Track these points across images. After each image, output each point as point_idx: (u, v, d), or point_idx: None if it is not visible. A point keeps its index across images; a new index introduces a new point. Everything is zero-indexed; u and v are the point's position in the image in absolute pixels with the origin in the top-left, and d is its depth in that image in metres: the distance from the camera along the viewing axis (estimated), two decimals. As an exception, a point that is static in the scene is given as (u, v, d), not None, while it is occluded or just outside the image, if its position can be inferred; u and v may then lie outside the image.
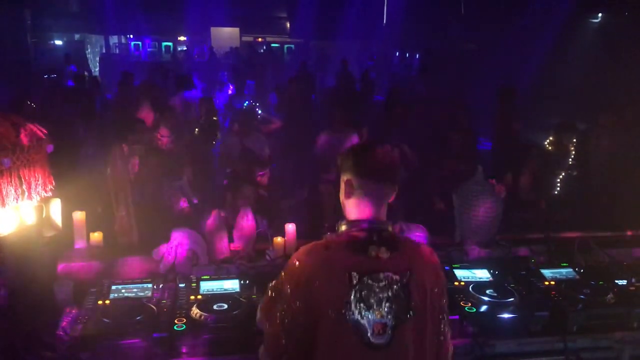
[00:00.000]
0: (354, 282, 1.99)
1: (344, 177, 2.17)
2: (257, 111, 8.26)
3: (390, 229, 2.12)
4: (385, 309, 2.00)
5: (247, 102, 8.60)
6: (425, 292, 2.07)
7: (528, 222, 5.17)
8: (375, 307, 2.00)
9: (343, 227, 2.14)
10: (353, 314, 1.99)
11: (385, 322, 2.00)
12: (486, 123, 8.57)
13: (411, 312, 2.03)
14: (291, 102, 8.90)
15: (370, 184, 2.11)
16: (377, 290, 2.01)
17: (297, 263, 2.08)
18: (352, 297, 1.99)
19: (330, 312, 1.98)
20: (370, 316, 1.99)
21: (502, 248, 3.88)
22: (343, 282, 2.00)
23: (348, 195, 2.15)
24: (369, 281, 2.00)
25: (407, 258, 2.08)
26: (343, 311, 1.98)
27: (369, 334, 1.98)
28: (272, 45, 23.36)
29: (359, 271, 2.00)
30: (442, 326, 2.14)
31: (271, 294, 2.14)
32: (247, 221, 3.89)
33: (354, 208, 2.15)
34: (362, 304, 1.99)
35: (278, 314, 2.05)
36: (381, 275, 2.02)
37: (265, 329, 2.13)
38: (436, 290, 2.11)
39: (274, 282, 2.17)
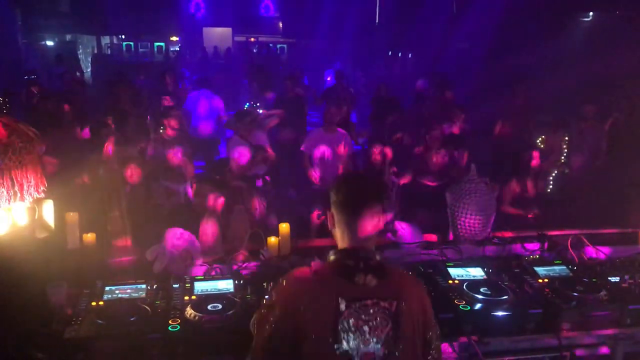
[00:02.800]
0: (342, 309, 1.97)
1: (330, 210, 2.18)
2: (259, 111, 8.32)
3: (378, 257, 2.10)
4: (374, 338, 1.98)
5: (247, 104, 8.57)
6: (413, 321, 2.06)
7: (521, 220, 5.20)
8: (363, 336, 1.98)
9: (331, 257, 2.13)
10: (340, 342, 1.96)
11: (373, 351, 1.98)
12: (477, 119, 8.63)
13: (400, 340, 2.01)
14: (282, 102, 8.93)
15: (349, 217, 2.11)
16: (365, 318, 1.99)
17: (284, 284, 2.08)
18: (339, 325, 1.97)
19: (316, 338, 1.96)
20: (358, 345, 1.97)
21: (495, 246, 3.89)
22: (330, 308, 1.98)
23: (333, 226, 2.17)
24: (357, 309, 1.99)
25: (395, 286, 2.08)
26: (330, 339, 1.96)
27: None
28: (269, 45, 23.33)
29: (347, 298, 1.99)
30: (432, 354, 2.12)
31: (263, 310, 2.11)
32: (240, 221, 3.89)
33: (340, 238, 2.15)
34: (349, 333, 1.97)
35: (266, 331, 2.02)
36: (369, 303, 2.00)
37: (254, 340, 2.11)
38: (422, 320, 2.10)
39: (266, 299, 2.16)
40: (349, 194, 2.13)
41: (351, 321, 1.97)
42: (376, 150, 6.23)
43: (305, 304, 1.98)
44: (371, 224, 2.12)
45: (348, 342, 1.97)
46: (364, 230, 2.11)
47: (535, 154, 5.72)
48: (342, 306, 1.97)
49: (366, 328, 1.98)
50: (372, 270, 2.04)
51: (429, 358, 2.12)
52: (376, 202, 2.15)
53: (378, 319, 2.00)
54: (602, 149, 7.07)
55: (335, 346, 1.96)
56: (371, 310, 2.00)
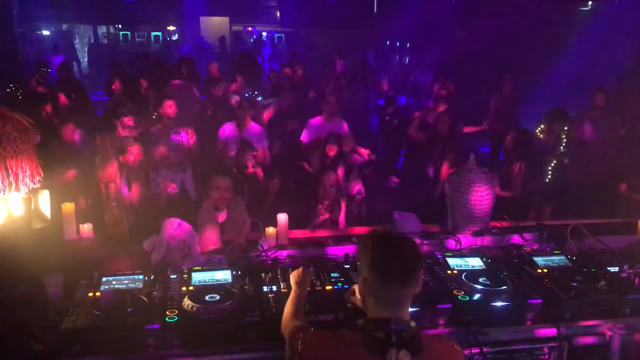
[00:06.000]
0: None
1: (362, 275, 2.03)
2: (257, 99, 8.33)
3: (412, 327, 1.97)
4: None
5: (247, 94, 8.56)
6: None
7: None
8: None
9: (360, 325, 1.99)
10: None
11: None
12: (476, 109, 8.68)
13: None
14: (281, 90, 8.93)
15: (388, 284, 1.96)
16: None
17: (312, 338, 2.01)
18: None
19: None
20: None
21: (494, 236, 3.88)
22: None
23: (366, 294, 2.03)
24: None
25: None
26: None
27: None
28: (262, 33, 23.23)
29: None
30: None
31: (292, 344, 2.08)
32: (239, 212, 3.87)
33: (373, 306, 2.01)
34: None
35: None
36: None
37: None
38: None
39: (294, 325, 2.16)
40: (392, 258, 1.96)
41: None
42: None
43: None
44: (412, 292, 1.99)
45: None
46: (402, 299, 1.98)
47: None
48: None
49: None
50: (406, 344, 1.89)
51: None
52: (419, 268, 2.01)
53: None
54: (616, 139, 7.06)
55: None
56: None
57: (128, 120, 6.09)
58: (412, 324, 1.98)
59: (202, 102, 8.54)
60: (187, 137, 6.20)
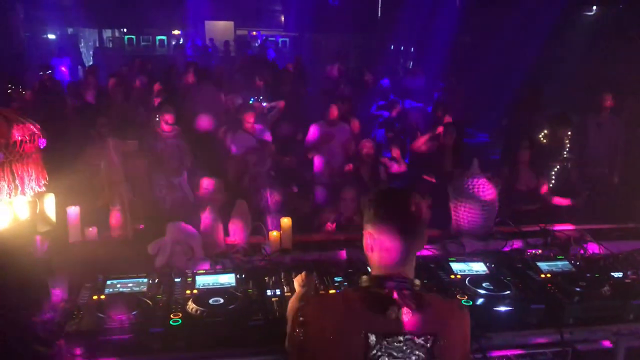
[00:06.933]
0: (371, 344, 1.84)
1: (365, 229, 2.01)
2: (263, 104, 8.40)
3: (416, 285, 1.95)
4: None
5: (252, 99, 8.60)
6: (453, 356, 1.93)
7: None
8: None
9: (364, 282, 1.99)
10: None
11: None
12: (480, 114, 8.66)
13: None
14: (284, 94, 8.96)
15: (392, 239, 1.94)
16: (398, 355, 1.85)
17: (314, 305, 2.01)
18: None
19: None
20: None
21: (497, 241, 3.88)
22: (358, 343, 1.84)
23: (369, 248, 2.00)
24: (388, 345, 1.84)
25: (433, 319, 1.91)
26: None
27: None
28: (269, 38, 23.26)
29: (377, 332, 1.84)
30: None
31: (294, 321, 2.05)
32: (243, 215, 3.88)
33: (376, 262, 1.99)
34: None
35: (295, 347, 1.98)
36: (401, 339, 1.85)
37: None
38: (462, 353, 1.98)
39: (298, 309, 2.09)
40: (394, 211, 1.95)
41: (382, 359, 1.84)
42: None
43: (332, 334, 1.86)
44: (415, 246, 1.98)
45: None
46: (405, 254, 1.95)
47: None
48: (372, 342, 1.84)
49: None
50: (408, 302, 1.88)
51: None
52: (423, 223, 1.99)
53: (412, 356, 1.86)
54: (620, 143, 7.07)
55: None
56: (404, 347, 1.85)
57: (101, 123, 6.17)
58: (416, 282, 1.96)
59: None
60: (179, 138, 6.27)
